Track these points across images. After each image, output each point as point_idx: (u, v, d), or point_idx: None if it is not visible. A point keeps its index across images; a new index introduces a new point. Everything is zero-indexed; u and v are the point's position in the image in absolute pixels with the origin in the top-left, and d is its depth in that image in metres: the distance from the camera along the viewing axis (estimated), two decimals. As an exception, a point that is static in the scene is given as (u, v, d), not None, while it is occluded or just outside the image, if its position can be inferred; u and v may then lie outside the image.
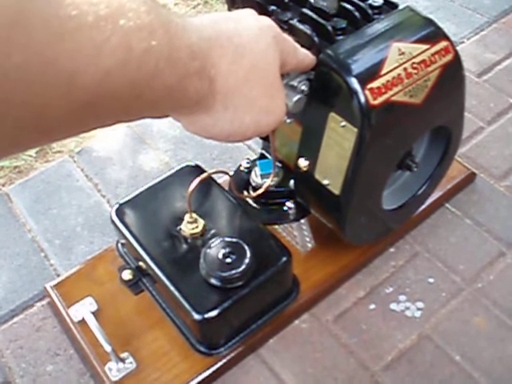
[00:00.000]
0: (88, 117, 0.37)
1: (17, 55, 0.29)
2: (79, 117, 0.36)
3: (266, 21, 0.53)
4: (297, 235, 0.83)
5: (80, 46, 0.32)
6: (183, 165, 0.82)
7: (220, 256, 0.70)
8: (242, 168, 0.84)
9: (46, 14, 0.30)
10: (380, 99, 0.63)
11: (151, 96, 0.40)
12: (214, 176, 0.78)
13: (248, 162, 0.84)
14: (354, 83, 0.62)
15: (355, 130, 0.63)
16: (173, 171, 0.82)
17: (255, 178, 0.80)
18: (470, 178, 0.95)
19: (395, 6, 0.70)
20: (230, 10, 0.71)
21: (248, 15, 0.53)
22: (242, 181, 0.82)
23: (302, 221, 0.81)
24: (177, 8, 1.39)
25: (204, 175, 0.70)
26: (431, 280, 0.84)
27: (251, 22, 0.52)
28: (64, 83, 0.32)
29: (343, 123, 0.64)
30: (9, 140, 0.32)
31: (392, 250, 0.87)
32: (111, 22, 0.34)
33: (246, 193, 0.81)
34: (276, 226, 0.84)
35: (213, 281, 0.69)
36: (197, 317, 0.68)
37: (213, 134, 0.52)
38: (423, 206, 0.86)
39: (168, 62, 0.40)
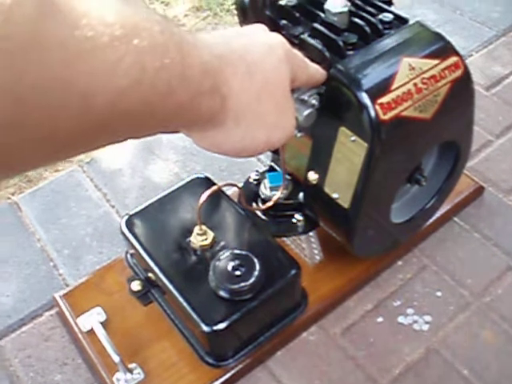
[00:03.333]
0: (100, 135, 0.37)
1: (32, 76, 0.29)
2: (92, 135, 0.36)
3: (277, 37, 0.54)
4: (305, 247, 0.83)
5: (95, 67, 0.32)
6: (193, 177, 0.83)
7: (229, 268, 0.70)
8: (251, 180, 0.84)
9: (62, 34, 0.30)
10: (390, 114, 0.63)
11: (164, 113, 0.41)
12: (223, 188, 0.78)
13: (257, 175, 0.84)
14: (365, 98, 0.62)
15: (365, 144, 0.64)
16: (182, 183, 0.82)
17: (264, 190, 0.80)
18: (479, 191, 0.95)
19: (405, 21, 0.71)
20: (241, 25, 0.71)
21: (259, 31, 0.54)
22: (251, 193, 0.83)
23: (311, 233, 0.82)
24: (186, 19, 1.40)
25: (214, 188, 0.70)
26: (439, 293, 0.84)
27: (262, 39, 0.52)
28: (78, 103, 0.32)
29: (353, 138, 0.64)
30: (20, 159, 0.32)
31: (400, 263, 0.87)
32: (125, 42, 0.34)
33: (255, 205, 0.81)
34: (284, 238, 0.84)
35: (222, 293, 0.69)
36: (206, 329, 0.68)
37: (224, 149, 0.52)
38: (431, 220, 0.86)
39: (181, 80, 0.40)
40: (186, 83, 0.41)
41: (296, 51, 0.57)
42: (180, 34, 0.41)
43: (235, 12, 0.73)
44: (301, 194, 0.78)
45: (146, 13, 0.38)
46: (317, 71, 0.62)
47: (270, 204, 0.75)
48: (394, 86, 0.64)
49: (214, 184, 0.81)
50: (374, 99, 0.62)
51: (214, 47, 0.46)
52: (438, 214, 0.87)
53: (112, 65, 0.33)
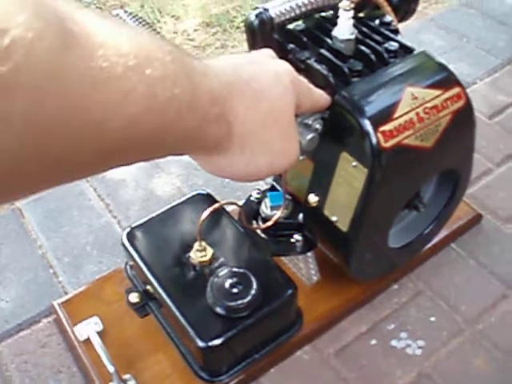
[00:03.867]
0: (112, 159, 0.38)
1: (51, 106, 0.30)
2: (103, 159, 0.37)
3: (284, 65, 0.55)
4: (303, 267, 0.84)
5: (109, 96, 0.33)
6: (194, 193, 0.84)
7: (227, 286, 0.71)
8: (252, 198, 0.85)
9: (79, 66, 0.31)
10: (391, 142, 0.64)
11: (171, 140, 0.42)
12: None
13: (258, 193, 0.85)
14: (367, 125, 0.64)
15: (366, 170, 0.65)
16: (184, 198, 0.83)
17: (265, 209, 0.81)
18: (477, 219, 0.96)
19: (411, 50, 0.72)
20: (250, 46, 0.72)
21: (267, 58, 0.55)
22: (251, 211, 0.84)
23: (309, 254, 0.83)
24: (196, 34, 1.42)
25: (215, 206, 0.72)
26: (433, 319, 0.84)
27: (269, 66, 0.53)
28: (92, 131, 0.33)
29: (354, 163, 0.66)
30: (33, 182, 0.33)
31: (396, 286, 0.88)
32: (138, 73, 0.35)
33: (255, 223, 0.82)
34: (283, 257, 0.85)
35: (218, 309, 0.70)
36: (201, 344, 0.69)
37: (228, 174, 0.54)
38: (429, 245, 0.87)
39: (189, 108, 0.41)
40: (194, 111, 0.42)
41: (302, 78, 0.58)
42: (190, 63, 0.43)
43: (244, 29, 0.75)
44: (300, 215, 0.79)
45: (159, 42, 0.40)
46: (321, 97, 0.63)
47: (269, 223, 0.76)
48: (397, 114, 0.65)
49: (216, 201, 0.82)
50: (376, 127, 0.64)
51: (223, 75, 0.48)
52: (435, 240, 0.88)
53: (125, 94, 0.35)
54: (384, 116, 0.65)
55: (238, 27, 1.45)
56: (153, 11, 1.57)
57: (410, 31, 1.34)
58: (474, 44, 1.34)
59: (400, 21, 0.82)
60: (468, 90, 1.20)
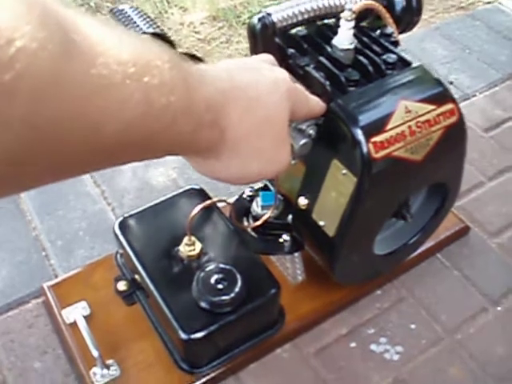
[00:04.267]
0: (107, 160, 0.40)
1: (51, 109, 0.31)
2: (99, 160, 0.39)
3: (281, 73, 0.57)
4: (289, 267, 0.86)
5: (107, 102, 0.35)
6: (188, 187, 0.86)
7: (212, 281, 0.73)
8: (244, 196, 0.87)
9: (80, 73, 0.32)
10: (382, 153, 0.66)
11: (166, 143, 0.44)
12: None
13: (251, 191, 0.87)
14: (359, 135, 0.65)
15: (355, 179, 0.66)
16: (178, 192, 0.85)
17: (256, 207, 0.83)
18: (464, 230, 0.98)
19: (408, 63, 0.73)
20: (251, 48, 0.74)
21: (265, 65, 0.56)
22: (243, 208, 0.85)
23: (296, 254, 0.84)
24: (202, 27, 1.43)
25: (206, 203, 0.73)
26: (413, 326, 0.86)
27: (267, 74, 0.55)
28: (90, 134, 0.35)
29: (344, 171, 0.67)
30: (31, 179, 0.35)
31: (379, 292, 0.90)
32: (136, 80, 0.37)
33: (245, 221, 0.84)
34: (270, 256, 0.87)
35: (203, 304, 0.72)
36: (183, 336, 0.71)
37: (220, 177, 0.55)
38: (415, 253, 0.89)
39: (184, 114, 0.43)
40: (189, 117, 0.44)
41: (298, 86, 0.59)
42: (188, 70, 0.44)
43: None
44: (290, 216, 0.81)
45: (158, 49, 0.41)
46: (317, 104, 0.64)
47: (259, 223, 0.78)
48: (389, 126, 0.66)
49: (208, 196, 0.84)
50: (368, 137, 0.65)
51: (219, 82, 0.49)
52: (421, 249, 0.89)
53: (123, 100, 0.36)
54: (376, 127, 0.66)
55: (244, 23, 1.46)
56: (161, 1, 1.58)
57: (414, 39, 1.35)
58: (476, 56, 1.35)
59: (401, 32, 0.83)
60: (467, 102, 1.23)
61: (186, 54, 0.68)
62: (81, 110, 0.33)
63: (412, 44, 1.34)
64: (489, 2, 1.67)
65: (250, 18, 0.75)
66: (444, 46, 1.38)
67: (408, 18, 0.82)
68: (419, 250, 0.89)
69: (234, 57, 1.41)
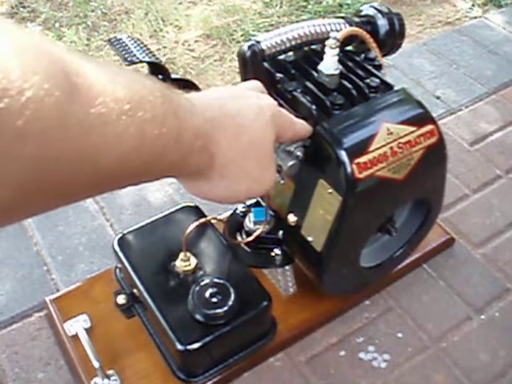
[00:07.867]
0: (104, 187, 0.44)
1: (55, 149, 0.35)
2: (97, 187, 0.43)
3: (267, 99, 0.61)
4: (281, 280, 0.90)
5: (105, 137, 0.39)
6: (184, 205, 0.90)
7: (207, 295, 0.77)
8: (238, 211, 0.91)
9: (80, 114, 0.36)
10: (365, 173, 0.70)
11: (158, 169, 0.48)
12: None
13: (244, 207, 0.90)
14: (344, 156, 0.69)
15: (340, 198, 0.70)
16: (174, 209, 0.89)
17: (248, 223, 0.87)
18: (449, 242, 1.02)
19: (391, 87, 0.77)
20: (241, 73, 0.78)
21: (251, 93, 0.60)
22: (236, 223, 0.89)
23: (287, 267, 0.88)
24: (196, 45, 1.47)
25: (201, 220, 0.77)
26: (400, 335, 0.90)
27: (253, 101, 0.59)
28: (88, 166, 0.39)
29: (330, 190, 0.71)
30: (35, 208, 0.39)
31: (367, 302, 0.94)
32: (131, 116, 0.41)
33: (238, 236, 0.88)
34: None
35: (198, 316, 0.76)
36: (180, 347, 0.75)
37: (209, 197, 0.59)
38: (402, 265, 0.93)
39: (175, 143, 0.47)
40: (179, 145, 0.48)
41: (284, 111, 0.63)
42: (178, 102, 0.48)
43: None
44: (281, 232, 0.85)
45: (151, 85, 0.45)
46: (303, 127, 0.68)
47: (251, 238, 0.82)
48: (372, 147, 0.70)
49: (203, 213, 0.88)
50: (352, 158, 0.69)
51: (208, 111, 0.53)
52: (408, 260, 0.93)
53: (118, 135, 0.40)
54: (360, 148, 0.70)
55: (238, 41, 1.50)
56: (156, 19, 1.62)
57: (402, 54, 1.39)
58: (462, 71, 1.40)
59: (386, 55, 0.87)
60: (453, 117, 1.27)
61: (182, 79, 0.73)
62: (81, 146, 0.37)
63: (400, 59, 1.38)
64: (475, 17, 1.71)
65: (242, 36, 0.79)
66: (431, 61, 1.42)
67: (391, 42, 0.86)
68: (406, 262, 0.93)
69: (228, 74, 1.45)
